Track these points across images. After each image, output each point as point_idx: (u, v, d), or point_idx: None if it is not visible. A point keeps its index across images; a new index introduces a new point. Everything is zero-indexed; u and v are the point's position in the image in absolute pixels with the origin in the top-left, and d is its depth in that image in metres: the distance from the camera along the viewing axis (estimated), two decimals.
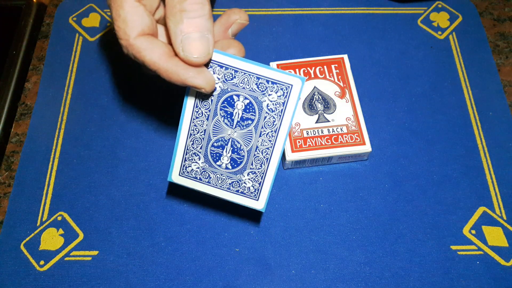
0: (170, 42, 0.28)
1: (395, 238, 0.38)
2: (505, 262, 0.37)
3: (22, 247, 0.37)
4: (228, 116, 0.31)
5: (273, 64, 0.43)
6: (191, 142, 0.32)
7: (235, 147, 0.32)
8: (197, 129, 0.32)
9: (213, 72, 0.30)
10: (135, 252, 0.37)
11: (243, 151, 0.32)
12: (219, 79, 0.30)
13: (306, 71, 0.43)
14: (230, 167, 0.32)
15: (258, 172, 0.32)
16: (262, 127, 0.31)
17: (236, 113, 0.31)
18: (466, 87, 0.45)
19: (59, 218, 0.39)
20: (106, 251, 0.37)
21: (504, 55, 0.48)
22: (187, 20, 0.26)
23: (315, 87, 0.42)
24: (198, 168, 0.32)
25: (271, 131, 0.31)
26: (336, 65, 0.43)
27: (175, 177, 0.33)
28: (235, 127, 0.31)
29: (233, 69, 0.30)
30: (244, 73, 0.30)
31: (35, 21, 0.49)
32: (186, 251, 0.37)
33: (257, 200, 0.32)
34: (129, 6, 0.28)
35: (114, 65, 0.46)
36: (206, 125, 0.31)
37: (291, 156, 0.39)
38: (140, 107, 0.44)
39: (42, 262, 0.37)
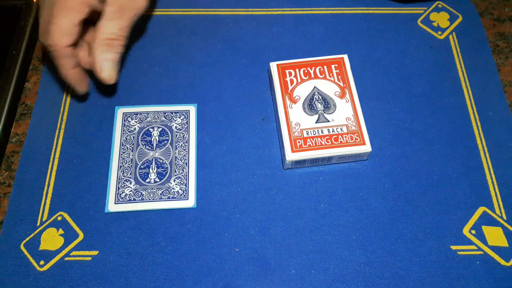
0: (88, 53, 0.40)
1: (395, 238, 0.38)
2: (505, 262, 0.37)
3: (22, 247, 0.37)
4: (148, 143, 0.41)
5: (273, 64, 0.43)
6: (122, 172, 0.40)
7: (159, 163, 0.40)
8: (125, 160, 0.40)
9: (131, 118, 0.42)
10: (135, 252, 0.37)
11: (166, 164, 0.40)
12: (136, 122, 0.42)
13: (306, 71, 0.43)
14: (158, 180, 0.39)
15: (182, 176, 0.40)
16: (176, 142, 0.41)
17: (154, 139, 0.41)
18: (466, 87, 0.45)
19: (59, 218, 0.39)
20: (106, 251, 0.37)
21: (504, 55, 0.48)
22: (111, 53, 0.38)
23: (315, 87, 0.42)
24: (131, 191, 0.39)
25: (183, 142, 0.41)
26: (336, 65, 0.43)
27: (112, 206, 0.38)
28: (155, 148, 0.41)
29: (145, 113, 0.43)
30: (154, 112, 0.43)
31: (35, 21, 0.49)
32: (186, 251, 0.37)
33: (187, 199, 0.39)
34: (70, 20, 0.36)
35: None
36: (132, 155, 0.40)
37: (291, 156, 0.39)
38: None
39: (42, 262, 0.37)
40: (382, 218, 0.39)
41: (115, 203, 0.39)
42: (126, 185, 0.39)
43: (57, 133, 0.42)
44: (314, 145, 0.39)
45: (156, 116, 0.42)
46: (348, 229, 0.39)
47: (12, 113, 0.44)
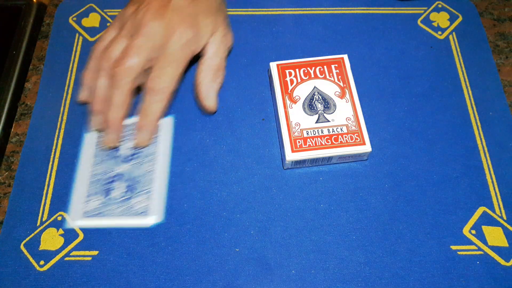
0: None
1: (395, 238, 0.38)
2: (505, 262, 0.37)
3: (22, 247, 0.37)
4: (118, 156, 0.40)
5: (273, 64, 0.43)
6: (88, 186, 0.39)
7: (126, 178, 0.39)
8: (92, 173, 0.39)
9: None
10: (135, 252, 0.37)
11: (133, 179, 0.39)
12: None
13: (306, 71, 0.43)
14: (123, 195, 0.38)
15: (147, 192, 0.38)
16: (145, 156, 0.40)
17: (123, 153, 0.40)
18: (466, 87, 0.45)
19: (59, 218, 0.39)
20: (106, 251, 0.37)
21: (504, 55, 0.48)
22: (216, 83, 0.42)
23: (315, 87, 0.42)
24: (96, 206, 0.38)
25: (152, 157, 0.40)
26: (336, 65, 0.43)
27: (75, 221, 0.38)
28: (125, 162, 0.40)
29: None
30: (125, 126, 0.41)
31: (35, 21, 0.49)
32: (186, 251, 0.38)
33: (152, 215, 0.38)
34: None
35: None
36: (101, 168, 0.39)
37: (291, 156, 0.39)
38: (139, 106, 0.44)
39: (42, 262, 0.37)
40: (382, 218, 0.39)
41: (78, 218, 0.38)
42: (92, 199, 0.38)
43: (57, 133, 0.42)
44: (314, 145, 0.39)
45: (126, 129, 0.41)
46: (348, 229, 0.39)
47: (12, 113, 0.44)
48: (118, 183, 0.39)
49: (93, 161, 0.40)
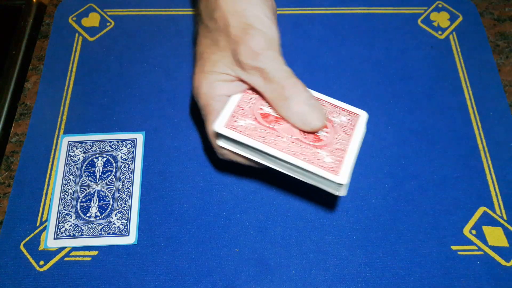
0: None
1: (395, 238, 0.38)
2: (505, 262, 0.37)
3: (22, 247, 0.37)
4: (91, 174, 0.40)
5: None
6: (63, 206, 0.38)
7: (101, 196, 0.39)
8: (67, 193, 0.39)
9: (76, 147, 0.41)
10: (135, 252, 0.37)
11: (108, 197, 0.39)
12: (80, 151, 0.41)
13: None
14: (99, 214, 0.38)
15: (124, 210, 0.38)
16: (120, 173, 0.40)
17: (97, 170, 0.40)
18: (466, 87, 0.45)
19: None
20: (106, 251, 0.37)
21: (504, 55, 0.48)
22: (293, 103, 0.29)
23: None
24: (71, 225, 0.38)
25: (128, 174, 0.40)
26: None
27: (51, 242, 0.37)
28: (98, 180, 0.39)
29: (90, 142, 0.41)
30: (99, 141, 0.41)
31: (35, 21, 0.49)
32: (186, 251, 0.37)
33: (128, 235, 0.37)
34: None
35: (114, 65, 0.46)
36: (74, 187, 0.39)
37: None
38: (139, 107, 0.44)
39: (42, 262, 0.37)
40: (382, 218, 0.39)
41: (54, 239, 0.37)
42: (67, 219, 0.38)
43: (57, 133, 0.42)
44: None
45: (101, 145, 0.41)
46: (348, 229, 0.39)
47: (11, 113, 0.44)
48: (96, 200, 0.38)
49: (69, 178, 0.39)
